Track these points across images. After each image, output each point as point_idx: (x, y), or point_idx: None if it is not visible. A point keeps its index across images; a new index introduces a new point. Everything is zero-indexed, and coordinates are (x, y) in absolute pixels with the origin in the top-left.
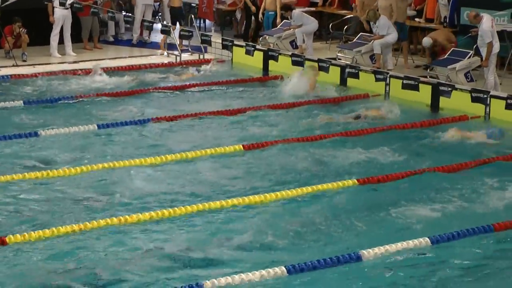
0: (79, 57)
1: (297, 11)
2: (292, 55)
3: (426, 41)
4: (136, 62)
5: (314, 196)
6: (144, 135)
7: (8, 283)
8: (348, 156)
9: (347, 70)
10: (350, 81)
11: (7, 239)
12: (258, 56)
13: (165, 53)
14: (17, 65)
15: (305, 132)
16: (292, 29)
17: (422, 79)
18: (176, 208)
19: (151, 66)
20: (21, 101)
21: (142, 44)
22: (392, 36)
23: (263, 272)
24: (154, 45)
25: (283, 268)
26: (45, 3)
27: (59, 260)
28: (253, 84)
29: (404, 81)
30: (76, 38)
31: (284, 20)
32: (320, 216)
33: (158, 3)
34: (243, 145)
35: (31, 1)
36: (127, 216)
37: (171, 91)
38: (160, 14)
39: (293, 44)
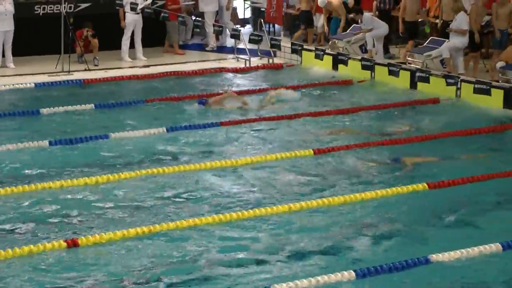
0: (150, 62)
1: (367, 15)
2: (362, 59)
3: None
4: (206, 66)
5: (384, 200)
6: (212, 139)
7: (80, 284)
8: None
9: (418, 74)
10: (420, 85)
11: (79, 241)
12: (328, 60)
13: (235, 57)
14: (89, 69)
15: (375, 136)
16: (362, 33)
17: (494, 83)
18: (245, 211)
19: (220, 70)
20: (92, 105)
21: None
22: (462, 40)
23: (332, 276)
24: (224, 50)
25: (352, 272)
26: (117, 8)
27: (130, 261)
28: (322, 88)
29: (476, 86)
30: (146, 42)
31: (354, 25)
32: (389, 220)
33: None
34: (313, 150)
35: (103, 6)
36: (196, 219)
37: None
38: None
39: (363, 48)
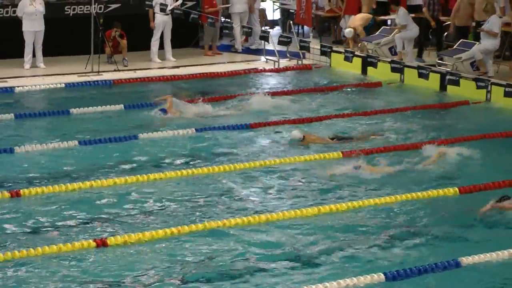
0: (179, 63)
1: (403, 9)
2: (392, 61)
3: None
4: (234, 68)
5: (415, 203)
6: (240, 140)
7: (109, 283)
8: (451, 163)
9: (448, 77)
10: (450, 88)
11: (108, 241)
12: (357, 62)
13: (264, 59)
14: (118, 70)
15: (403, 139)
16: (393, 33)
17: None
18: (279, 212)
19: (249, 71)
20: (122, 105)
21: (243, 50)
22: (493, 43)
23: (361, 278)
24: (253, 51)
25: (381, 275)
26: (146, 9)
27: (157, 261)
28: (352, 90)
29: (507, 89)
30: (176, 43)
31: (383, 27)
32: (420, 223)
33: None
34: (342, 152)
35: (132, 7)
36: (231, 219)
37: (266, 96)
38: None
39: (392, 50)
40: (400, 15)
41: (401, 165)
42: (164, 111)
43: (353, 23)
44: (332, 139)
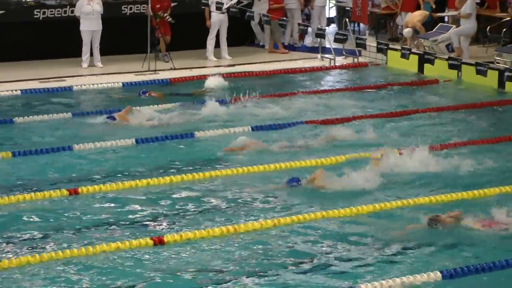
0: (234, 61)
1: None
2: (449, 58)
3: None
4: (290, 66)
5: (472, 202)
6: (296, 136)
7: (166, 280)
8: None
9: (506, 73)
10: (509, 85)
11: (164, 239)
12: (413, 59)
13: (320, 57)
14: (174, 69)
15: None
16: (448, 33)
17: None
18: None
19: (305, 69)
20: (178, 103)
21: (293, 47)
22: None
23: (417, 276)
24: (309, 49)
25: (438, 273)
26: (202, 7)
27: (213, 259)
28: (409, 88)
29: None
30: (231, 41)
31: (440, 24)
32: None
33: (308, 6)
34: (397, 149)
35: (189, 5)
36: (280, 219)
37: (321, 94)
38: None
39: (449, 47)
40: (468, 4)
41: None
42: (112, 118)
43: (411, 20)
44: None
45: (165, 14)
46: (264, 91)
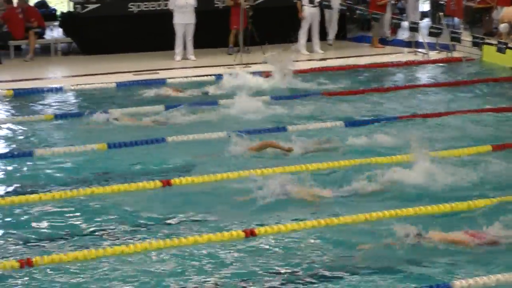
0: (326, 55)
1: None
2: None
3: None
4: (382, 60)
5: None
6: (386, 132)
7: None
8: None
9: None
10: None
11: (256, 231)
12: (510, 54)
13: (413, 51)
14: (266, 62)
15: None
16: None
17: None
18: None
19: (398, 64)
20: (268, 97)
21: (384, 41)
22: None
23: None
24: (401, 43)
25: None
26: (294, 1)
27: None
28: (505, 84)
29: None
30: (323, 35)
31: None
32: None
33: (402, 0)
34: (492, 146)
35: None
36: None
37: (414, 89)
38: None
39: None
40: None
41: None
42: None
43: (507, 15)
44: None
45: (247, 6)
46: (355, 85)
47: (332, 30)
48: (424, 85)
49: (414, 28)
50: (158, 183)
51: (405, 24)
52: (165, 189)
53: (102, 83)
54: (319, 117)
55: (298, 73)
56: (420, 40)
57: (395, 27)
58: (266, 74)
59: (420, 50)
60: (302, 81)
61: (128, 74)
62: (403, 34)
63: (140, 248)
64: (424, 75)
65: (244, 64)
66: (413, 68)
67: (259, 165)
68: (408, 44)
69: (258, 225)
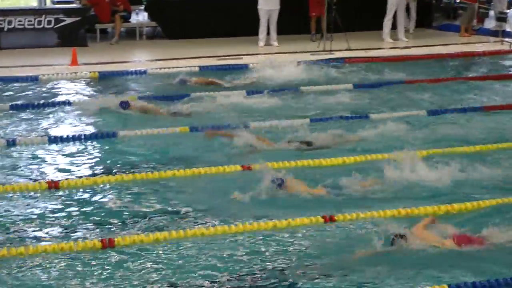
0: (411, 43)
1: None
2: None
3: None
4: (466, 49)
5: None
6: (470, 124)
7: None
8: None
9: None
10: None
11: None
12: None
13: (499, 40)
14: (350, 49)
15: None
16: None
17: None
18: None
19: (484, 53)
20: (351, 84)
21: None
22: None
23: None
24: (487, 32)
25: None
26: None
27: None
28: None
29: None
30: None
31: None
32: None
33: None
34: None
35: None
36: (388, 211)
37: (500, 79)
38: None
39: None
40: None
41: None
42: (125, 106)
43: None
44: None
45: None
46: (439, 74)
47: (412, 19)
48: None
49: (501, 18)
50: (238, 167)
51: (492, 13)
52: (243, 173)
53: (185, 67)
54: (401, 106)
55: (382, 61)
56: (508, 29)
57: (482, 16)
58: (349, 61)
59: (507, 39)
60: (385, 70)
61: (211, 58)
62: (490, 24)
63: (221, 231)
64: (509, 65)
65: (327, 50)
66: (500, 57)
67: None
68: (494, 33)
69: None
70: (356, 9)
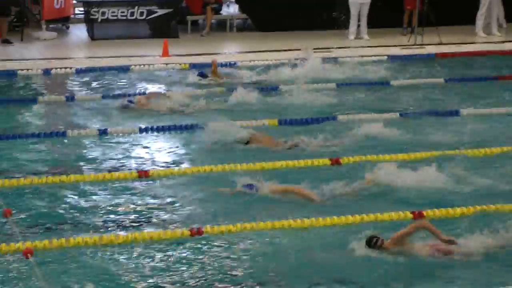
0: (507, 37)
1: None
2: None
3: None
4: None
5: None
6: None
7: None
8: None
9: None
10: None
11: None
12: None
13: None
14: (441, 44)
15: None
16: None
17: None
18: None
19: None
20: (442, 79)
21: None
22: None
23: None
24: None
25: None
26: None
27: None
28: None
29: None
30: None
31: None
32: None
33: None
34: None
35: None
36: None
37: None
38: None
39: None
40: None
41: None
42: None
43: None
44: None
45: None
46: None
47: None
48: None
49: None
50: (327, 161)
51: None
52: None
53: (275, 60)
54: (493, 103)
55: (473, 55)
56: None
57: None
58: (442, 55)
59: None
60: (476, 65)
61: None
62: None
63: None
64: None
65: (418, 44)
66: None
67: None
68: None
69: None
70: (448, 3)
